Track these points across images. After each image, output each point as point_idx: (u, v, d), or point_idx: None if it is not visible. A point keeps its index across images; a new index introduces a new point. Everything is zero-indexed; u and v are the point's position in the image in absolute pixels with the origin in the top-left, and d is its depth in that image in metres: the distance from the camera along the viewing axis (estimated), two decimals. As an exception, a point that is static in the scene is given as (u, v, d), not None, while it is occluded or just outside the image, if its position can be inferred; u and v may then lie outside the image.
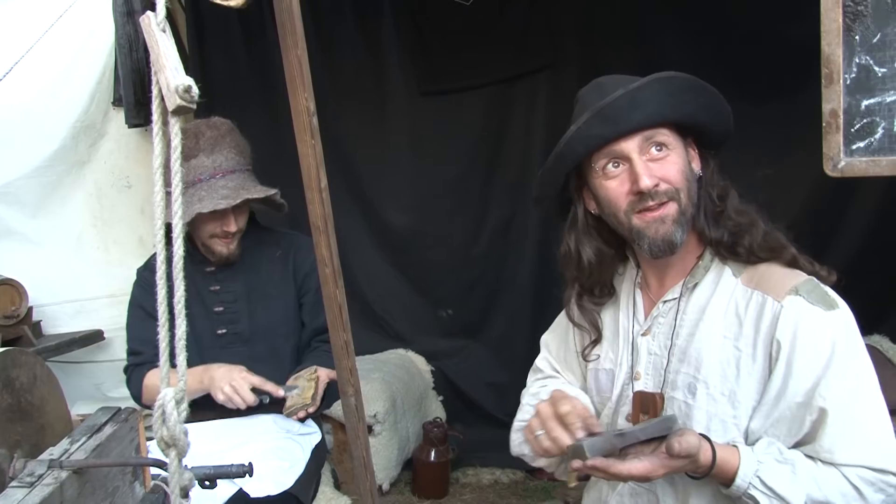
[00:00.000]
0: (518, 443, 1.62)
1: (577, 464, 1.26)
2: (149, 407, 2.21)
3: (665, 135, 1.38)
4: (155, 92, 0.78)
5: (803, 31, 2.83)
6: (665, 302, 1.48)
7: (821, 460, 1.27)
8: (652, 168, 1.37)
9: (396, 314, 4.09)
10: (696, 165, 1.45)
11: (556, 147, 1.44)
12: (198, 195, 2.03)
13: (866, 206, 3.30)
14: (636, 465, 1.24)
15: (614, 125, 1.36)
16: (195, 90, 0.75)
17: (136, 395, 2.21)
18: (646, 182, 1.35)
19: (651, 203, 1.37)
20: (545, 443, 1.34)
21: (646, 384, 1.47)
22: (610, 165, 1.41)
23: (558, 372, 1.72)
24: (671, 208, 1.37)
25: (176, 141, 0.77)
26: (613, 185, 1.41)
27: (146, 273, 2.26)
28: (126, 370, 2.25)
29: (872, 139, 1.31)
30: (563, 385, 1.65)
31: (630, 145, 1.37)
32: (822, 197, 3.25)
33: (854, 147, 1.32)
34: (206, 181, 2.05)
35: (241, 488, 1.90)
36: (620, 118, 1.35)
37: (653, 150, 1.38)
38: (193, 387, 2.06)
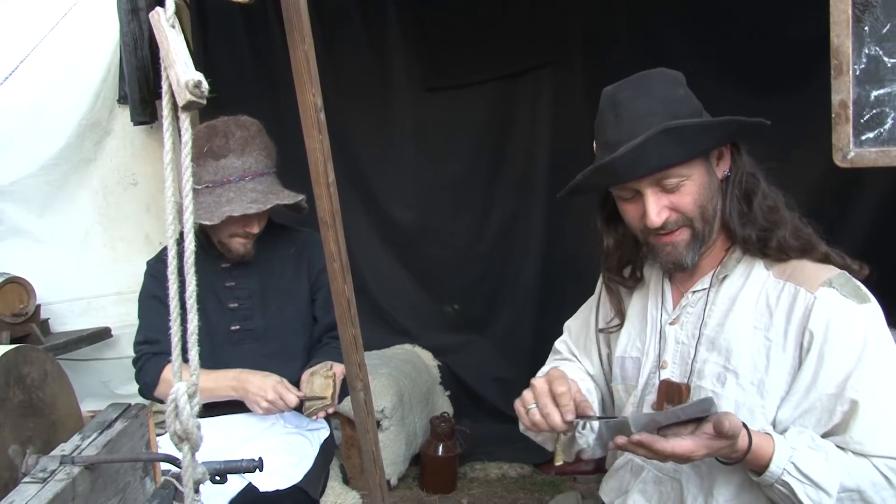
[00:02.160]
0: None
1: (620, 440, 1.27)
2: (159, 399, 2.17)
3: (678, 172, 1.37)
4: (165, 87, 0.78)
5: (807, 25, 2.84)
6: (695, 292, 1.50)
7: (851, 451, 1.27)
8: (663, 201, 1.38)
9: (402, 310, 4.10)
10: (725, 166, 1.45)
11: (568, 185, 1.47)
12: (226, 196, 2.02)
13: (872, 199, 3.28)
14: (680, 443, 1.23)
15: (617, 178, 1.39)
16: (205, 85, 0.76)
17: (151, 384, 2.16)
18: (654, 220, 1.38)
19: (663, 233, 1.40)
20: (535, 417, 1.35)
21: (672, 373, 1.48)
22: (624, 193, 1.44)
23: (575, 356, 1.74)
24: (683, 234, 1.41)
25: (186, 136, 0.77)
26: (629, 208, 1.45)
27: (158, 265, 2.25)
28: (136, 361, 2.21)
29: (882, 129, 1.31)
30: (570, 368, 1.68)
31: (641, 183, 1.38)
32: (827, 191, 3.24)
33: (864, 137, 1.32)
34: (236, 182, 2.03)
35: (250, 483, 1.91)
36: (623, 174, 1.37)
37: (666, 182, 1.38)
38: (225, 393, 2.06)
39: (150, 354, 2.18)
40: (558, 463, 1.46)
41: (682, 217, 1.39)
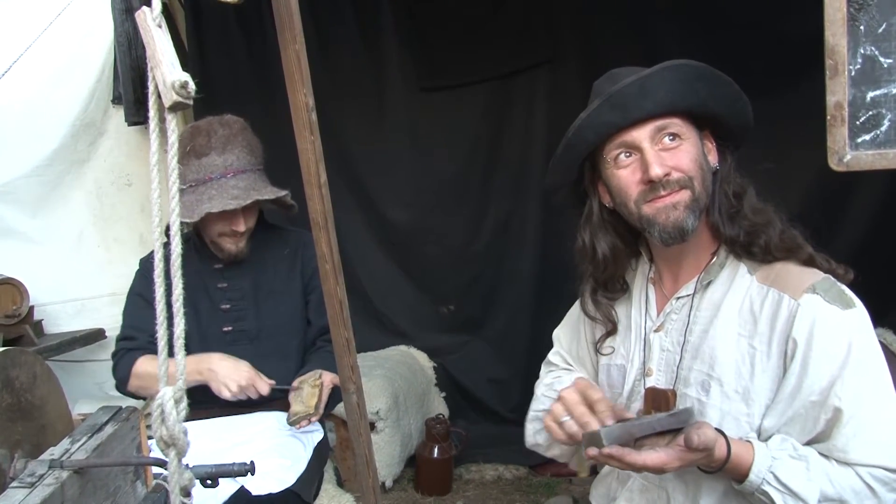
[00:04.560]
0: (533, 433, 1.62)
1: (592, 451, 1.24)
2: (132, 394, 2.20)
3: (677, 125, 1.37)
4: (151, 88, 0.77)
5: (805, 24, 2.83)
6: (678, 298, 1.47)
7: (834, 459, 1.26)
8: (663, 157, 1.35)
9: (398, 311, 4.09)
10: (713, 159, 1.44)
11: (565, 135, 1.43)
12: (208, 194, 2.03)
13: (869, 199, 3.28)
14: (652, 455, 1.22)
15: (623, 112, 1.36)
16: (192, 86, 0.74)
17: (123, 379, 2.18)
18: (656, 171, 1.34)
19: (662, 192, 1.36)
20: (572, 428, 1.31)
21: (658, 380, 1.46)
22: (622, 155, 1.40)
23: (571, 366, 1.71)
24: (684, 195, 1.36)
25: (173, 137, 0.76)
26: (625, 174, 1.40)
27: (149, 264, 2.25)
28: (114, 356, 2.23)
29: (878, 131, 1.29)
30: (573, 377, 1.64)
31: (641, 134, 1.36)
32: (823, 191, 3.24)
33: (859, 140, 1.30)
34: (217, 180, 2.04)
35: (242, 486, 1.89)
36: (630, 105, 1.34)
37: (665, 139, 1.36)
38: (190, 378, 2.05)
39: (125, 350, 2.20)
40: (584, 475, 1.44)
41: (682, 177, 1.36)
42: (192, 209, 2.02)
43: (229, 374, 2.04)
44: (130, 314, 2.24)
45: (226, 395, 2.04)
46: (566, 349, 1.73)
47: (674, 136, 1.37)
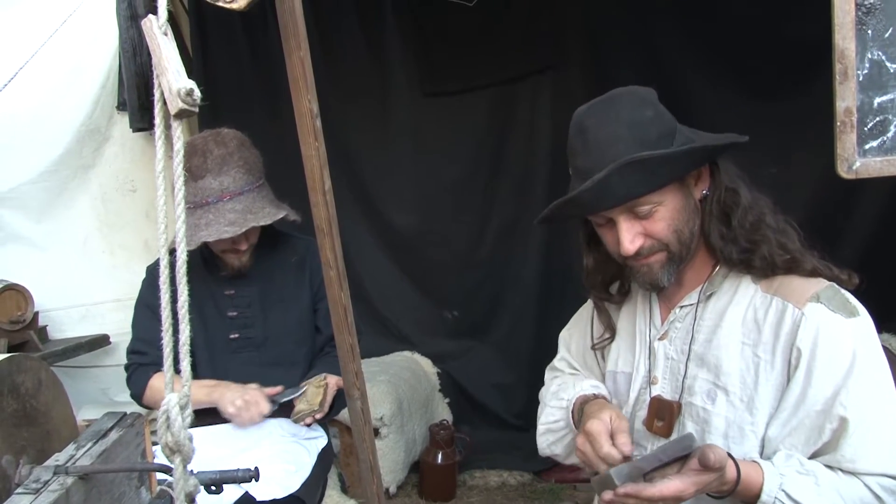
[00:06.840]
0: (547, 444, 1.62)
1: (607, 495, 1.23)
2: (149, 407, 2.21)
3: (647, 199, 1.33)
4: (157, 95, 0.77)
5: (805, 27, 2.83)
6: (682, 307, 1.47)
7: (841, 469, 1.25)
8: (637, 227, 1.36)
9: (402, 316, 4.09)
10: (704, 185, 1.41)
11: (542, 213, 1.44)
12: (205, 219, 2.00)
13: (873, 203, 3.28)
14: (668, 485, 1.20)
15: (585, 210, 1.38)
16: (197, 93, 0.75)
17: (138, 394, 2.19)
18: (627, 248, 1.35)
19: (639, 258, 1.38)
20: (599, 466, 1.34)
21: (663, 388, 1.46)
22: (599, 219, 1.41)
23: (577, 371, 1.71)
24: (658, 257, 1.38)
25: (178, 144, 0.76)
26: (605, 234, 1.43)
27: (157, 272, 2.24)
28: (127, 369, 2.23)
29: (885, 138, 1.27)
30: (579, 379, 1.63)
31: (612, 211, 1.36)
32: (828, 195, 3.23)
33: (867, 147, 1.28)
34: (213, 204, 2.00)
35: (247, 492, 1.90)
36: (590, 206, 1.35)
37: (638, 209, 1.34)
38: (200, 399, 2.07)
39: (138, 365, 2.20)
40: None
41: (656, 243, 1.36)
42: (188, 235, 2.00)
43: (236, 393, 2.07)
44: (140, 326, 2.22)
45: (230, 410, 2.04)
46: (573, 353, 1.73)
47: (647, 207, 1.35)
